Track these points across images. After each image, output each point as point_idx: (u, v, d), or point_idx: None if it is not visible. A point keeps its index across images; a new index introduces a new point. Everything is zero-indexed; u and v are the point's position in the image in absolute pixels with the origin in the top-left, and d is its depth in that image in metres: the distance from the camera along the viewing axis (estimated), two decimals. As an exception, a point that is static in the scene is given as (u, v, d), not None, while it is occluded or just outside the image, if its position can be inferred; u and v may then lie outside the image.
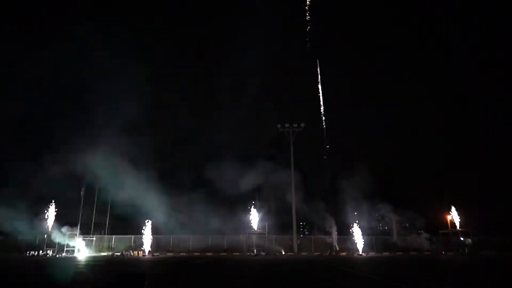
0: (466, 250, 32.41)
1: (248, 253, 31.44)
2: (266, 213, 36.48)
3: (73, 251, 31.19)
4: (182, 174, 39.25)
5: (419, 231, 36.69)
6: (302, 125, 37.61)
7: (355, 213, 35.54)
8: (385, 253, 33.24)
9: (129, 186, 34.44)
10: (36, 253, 30.38)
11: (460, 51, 66.78)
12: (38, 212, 31.07)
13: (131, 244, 32.92)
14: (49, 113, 42.09)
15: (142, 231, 30.34)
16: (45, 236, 30.69)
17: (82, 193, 35.56)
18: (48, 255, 29.62)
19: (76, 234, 31.60)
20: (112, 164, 34.09)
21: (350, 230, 32.53)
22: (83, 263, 20.94)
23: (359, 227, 32.07)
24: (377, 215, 41.63)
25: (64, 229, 31.12)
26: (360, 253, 31.09)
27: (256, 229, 32.21)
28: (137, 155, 40.80)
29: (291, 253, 33.03)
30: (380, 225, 45.50)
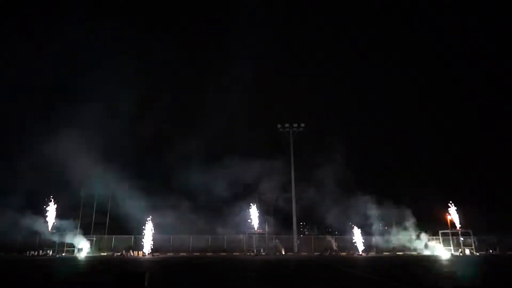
0: (466, 250, 32.47)
1: (248, 253, 31.47)
2: (266, 213, 36.54)
3: (73, 251, 31.22)
4: (180, 173, 39.22)
5: (419, 231, 36.72)
6: (302, 125, 37.63)
7: (353, 213, 35.59)
8: (385, 253, 33.28)
9: (126, 186, 34.59)
10: (36, 253, 30.40)
11: (460, 48, 66.80)
12: (38, 212, 31.10)
13: (131, 244, 32.94)
14: (31, 113, 42.18)
15: (142, 231, 30.35)
16: (45, 236, 30.71)
17: (81, 193, 35.65)
18: (48, 255, 29.63)
19: (76, 234, 31.63)
20: (109, 163, 34.25)
21: (351, 230, 32.55)
22: (83, 263, 20.94)
23: (358, 227, 32.13)
24: (377, 215, 41.58)
25: (64, 229, 31.16)
26: (360, 253, 31.13)
27: (256, 229, 32.24)
28: (130, 152, 40.94)
29: (291, 253, 33.07)
30: (380, 224, 45.46)
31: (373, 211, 36.12)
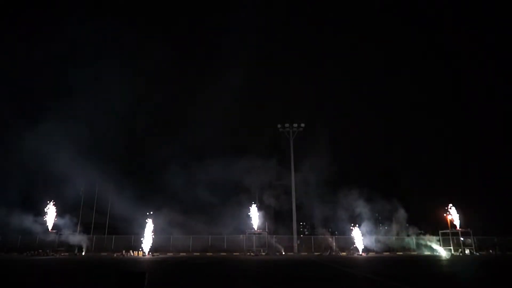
0: (466, 250, 32.46)
1: (248, 253, 31.45)
2: (266, 213, 36.45)
3: (73, 250, 31.20)
4: (179, 173, 39.21)
5: (420, 231, 36.79)
6: (302, 125, 37.58)
7: (352, 212, 35.61)
8: (385, 253, 33.27)
9: (124, 186, 34.62)
10: (35, 253, 30.36)
11: (460, 48, 66.79)
12: (38, 212, 31.07)
13: (131, 244, 32.89)
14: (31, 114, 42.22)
15: (142, 231, 30.30)
16: (45, 236, 30.69)
17: (81, 193, 35.65)
18: (48, 255, 29.59)
19: (76, 234, 31.61)
20: (106, 162, 34.28)
21: (351, 230, 32.53)
22: (83, 263, 20.91)
23: (358, 227, 32.11)
24: (377, 214, 41.61)
25: (64, 229, 31.15)
26: (360, 253, 31.11)
27: (256, 229, 32.22)
28: (128, 152, 40.93)
29: (291, 253, 33.04)
30: (380, 225, 45.48)
31: (372, 211, 36.14)
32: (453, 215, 33.78)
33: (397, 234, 36.98)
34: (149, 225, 30.10)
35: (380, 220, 44.64)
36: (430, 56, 71.91)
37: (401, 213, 36.30)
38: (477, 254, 31.97)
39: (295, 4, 79.82)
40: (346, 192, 36.73)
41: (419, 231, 36.57)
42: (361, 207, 35.17)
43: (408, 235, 35.96)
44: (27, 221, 30.41)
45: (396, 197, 38.60)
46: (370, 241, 33.42)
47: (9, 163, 36.82)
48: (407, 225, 38.16)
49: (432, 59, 73.98)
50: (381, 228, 40.95)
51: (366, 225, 33.68)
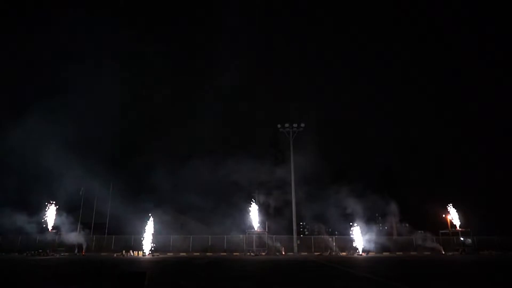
0: (466, 250, 32.46)
1: (248, 253, 31.46)
2: (266, 212, 36.49)
3: (73, 251, 31.20)
4: (178, 173, 39.25)
5: (419, 231, 36.80)
6: (302, 125, 37.57)
7: (351, 212, 35.68)
8: (385, 253, 33.27)
9: (124, 184, 34.64)
10: (36, 253, 30.39)
11: (460, 47, 66.79)
12: (38, 212, 31.08)
13: (131, 244, 32.90)
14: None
15: (142, 231, 30.30)
16: (45, 236, 30.70)
17: (81, 193, 35.65)
18: (48, 255, 29.61)
19: (76, 234, 31.62)
20: (106, 162, 34.24)
21: (350, 230, 32.55)
22: (83, 263, 20.92)
23: (358, 227, 32.12)
24: (377, 214, 41.67)
25: (64, 229, 31.16)
26: (360, 253, 31.11)
27: (256, 229, 32.23)
28: (128, 151, 40.90)
29: (291, 253, 33.05)
30: (380, 225, 45.52)
31: (372, 211, 36.21)
32: (453, 215, 33.81)
33: (396, 234, 37.03)
34: (149, 225, 30.12)
35: (379, 220, 44.66)
36: (430, 56, 71.97)
37: (399, 213, 36.38)
38: (477, 254, 31.96)
39: (295, 4, 79.84)
40: (345, 192, 36.77)
41: (419, 231, 36.57)
42: (361, 207, 35.19)
43: (400, 235, 35.98)
44: (27, 221, 30.43)
45: (395, 197, 38.62)
46: (370, 241, 33.40)
47: (8, 163, 36.85)
48: (407, 225, 38.19)
49: (432, 59, 74.06)
50: (380, 228, 40.98)
51: (365, 225, 33.69)
